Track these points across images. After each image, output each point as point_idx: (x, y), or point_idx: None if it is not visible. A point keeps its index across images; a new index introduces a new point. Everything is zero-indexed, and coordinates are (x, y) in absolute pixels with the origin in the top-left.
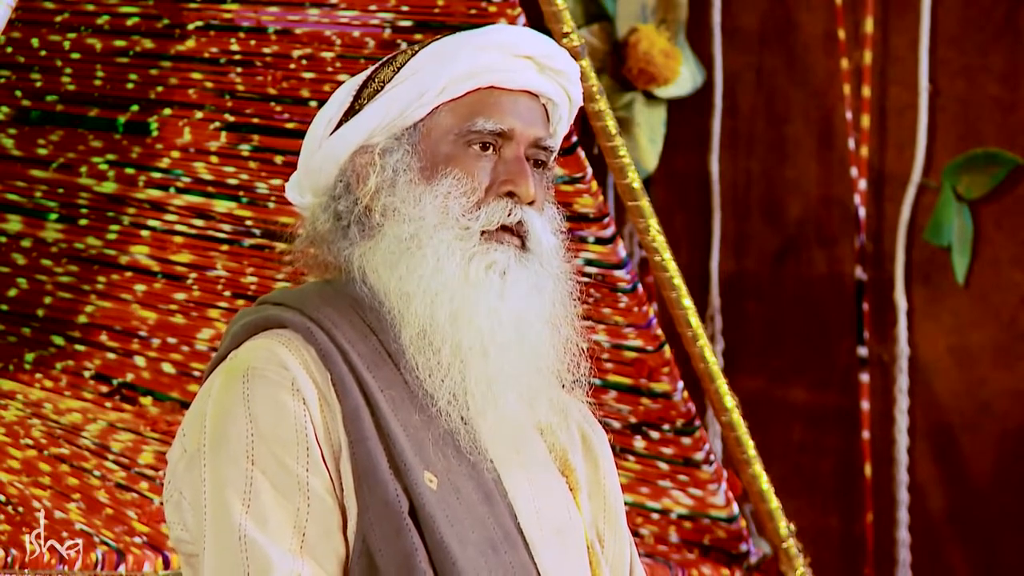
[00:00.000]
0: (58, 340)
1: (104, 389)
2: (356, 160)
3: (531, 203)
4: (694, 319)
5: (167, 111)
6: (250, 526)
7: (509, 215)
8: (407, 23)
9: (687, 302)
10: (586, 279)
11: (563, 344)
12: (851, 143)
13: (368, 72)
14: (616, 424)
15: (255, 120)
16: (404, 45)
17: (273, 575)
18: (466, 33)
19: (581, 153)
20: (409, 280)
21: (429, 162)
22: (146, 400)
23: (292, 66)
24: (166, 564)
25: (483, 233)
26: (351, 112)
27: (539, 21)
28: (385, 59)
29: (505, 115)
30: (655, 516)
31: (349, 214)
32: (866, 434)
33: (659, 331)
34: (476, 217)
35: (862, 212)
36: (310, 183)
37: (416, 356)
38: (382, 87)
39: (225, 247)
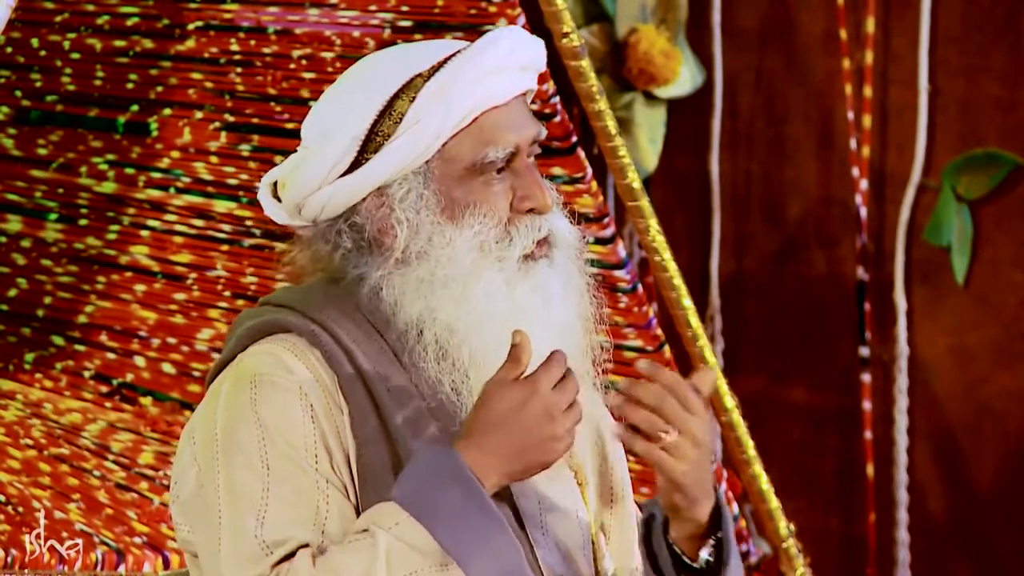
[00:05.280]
0: (58, 340)
1: (104, 389)
2: (368, 206)
3: None
4: (694, 319)
5: (167, 111)
6: (268, 528)
7: (539, 231)
8: (407, 23)
9: (687, 302)
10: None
11: (590, 337)
12: (852, 143)
13: (370, 123)
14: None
15: (255, 120)
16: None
17: (299, 554)
18: (458, 63)
19: (581, 153)
20: (455, 314)
21: (448, 200)
22: (146, 400)
23: (292, 66)
24: (166, 564)
25: (518, 257)
26: (357, 164)
27: (539, 21)
28: (383, 106)
29: (509, 133)
30: None
31: (361, 247)
32: (867, 434)
33: (659, 331)
34: (510, 244)
35: (863, 212)
36: (305, 213)
37: (446, 378)
38: (386, 140)
39: (225, 247)
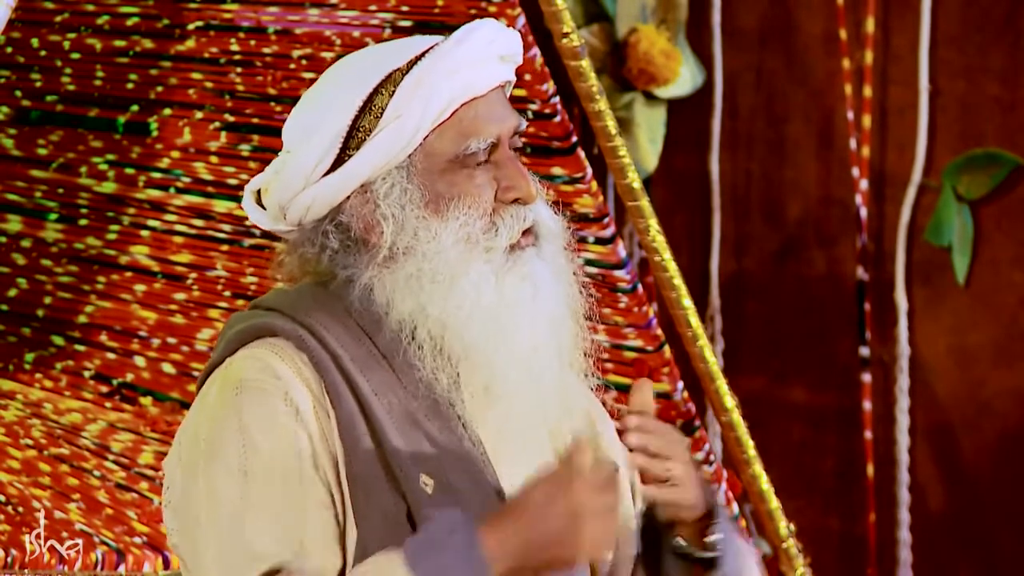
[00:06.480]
0: (58, 340)
1: (104, 389)
2: (353, 204)
3: None
4: (694, 319)
5: (167, 111)
6: (248, 537)
7: (524, 221)
8: (407, 23)
9: (687, 302)
10: (586, 279)
11: (580, 327)
12: (852, 143)
13: (351, 119)
14: (616, 425)
15: (255, 120)
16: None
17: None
18: (435, 56)
19: (581, 153)
20: (445, 308)
21: (432, 194)
22: (146, 400)
23: (292, 66)
24: (166, 564)
25: (505, 247)
26: (339, 161)
27: (539, 21)
28: (363, 102)
29: (490, 124)
30: None
31: (348, 247)
32: (867, 434)
33: (659, 331)
34: (496, 234)
35: (863, 212)
36: (290, 216)
37: (442, 376)
38: (367, 136)
39: (225, 247)
